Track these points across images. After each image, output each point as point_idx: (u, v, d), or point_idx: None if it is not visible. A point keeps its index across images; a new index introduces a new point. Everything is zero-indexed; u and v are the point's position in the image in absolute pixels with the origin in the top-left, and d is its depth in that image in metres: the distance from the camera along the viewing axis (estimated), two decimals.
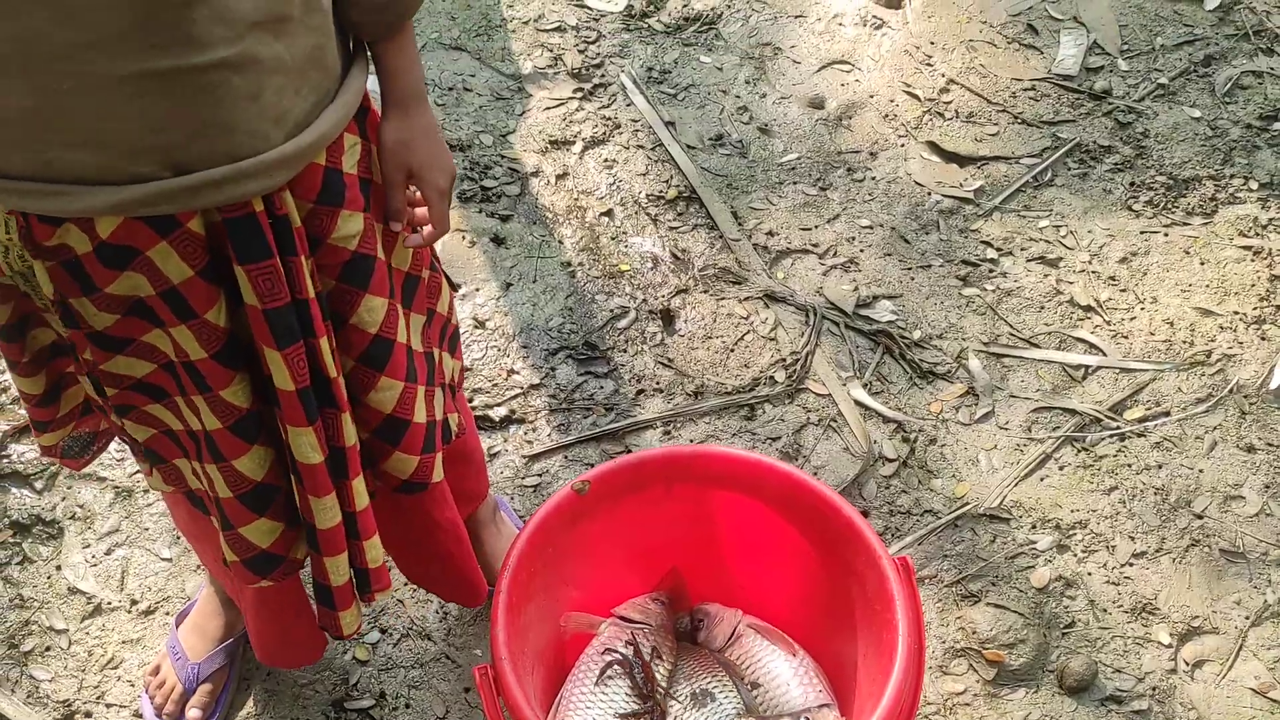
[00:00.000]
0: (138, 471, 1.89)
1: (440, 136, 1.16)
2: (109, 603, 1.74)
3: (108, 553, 1.80)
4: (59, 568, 1.78)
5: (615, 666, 1.41)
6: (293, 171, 1.01)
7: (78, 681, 1.66)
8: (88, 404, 1.27)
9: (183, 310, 1.05)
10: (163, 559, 1.79)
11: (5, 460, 1.89)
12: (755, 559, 1.50)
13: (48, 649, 1.70)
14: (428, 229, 1.18)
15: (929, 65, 2.54)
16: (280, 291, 1.05)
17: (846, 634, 1.42)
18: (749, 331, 2.10)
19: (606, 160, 2.37)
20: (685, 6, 2.69)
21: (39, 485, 1.88)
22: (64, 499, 1.86)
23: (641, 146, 2.40)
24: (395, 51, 1.12)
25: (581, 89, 2.50)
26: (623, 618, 1.50)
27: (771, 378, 2.02)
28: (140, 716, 1.62)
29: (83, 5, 0.86)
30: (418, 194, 1.18)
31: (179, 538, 1.81)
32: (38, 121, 0.92)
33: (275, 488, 1.20)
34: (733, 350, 2.07)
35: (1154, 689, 1.64)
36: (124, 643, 1.70)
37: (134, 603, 1.74)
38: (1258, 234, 2.20)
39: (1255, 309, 2.09)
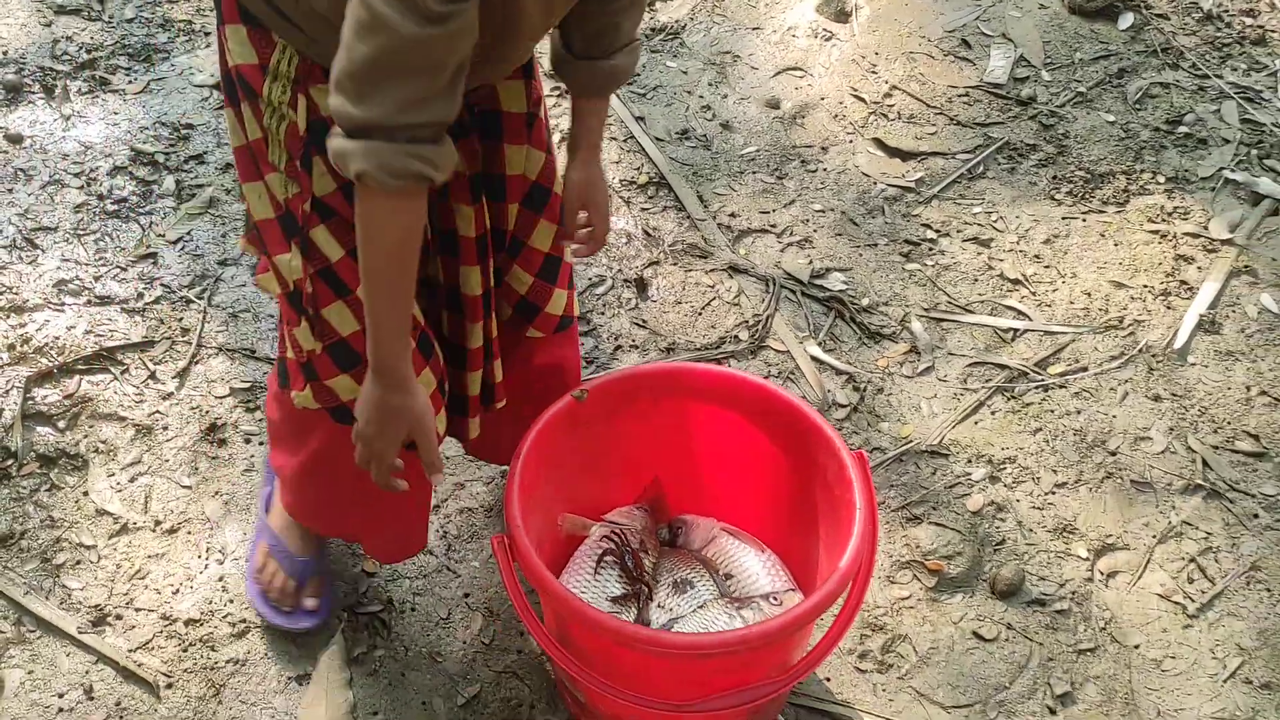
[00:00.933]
0: (155, 412, 2.05)
1: (605, 176, 1.51)
2: (134, 523, 1.90)
3: (131, 480, 1.95)
4: (86, 494, 1.93)
5: (609, 556, 1.60)
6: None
7: (108, 590, 1.81)
8: None
9: None
10: (183, 486, 1.95)
11: (30, 402, 2.04)
12: (730, 468, 1.70)
13: (78, 563, 1.84)
14: (592, 243, 1.54)
15: (874, 73, 2.81)
16: (475, 163, 1.34)
17: (810, 532, 1.63)
18: (715, 298, 2.32)
19: None
20: (652, 18, 2.94)
21: (62, 425, 2.03)
22: (86, 436, 2.01)
23: (615, 138, 2.63)
24: (597, 109, 1.47)
25: (560, 87, 2.72)
26: (612, 521, 1.70)
27: (736, 336, 2.24)
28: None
29: None
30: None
31: (197, 468, 1.97)
32: None
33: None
34: (701, 313, 2.29)
35: (1073, 594, 1.87)
36: (150, 557, 1.86)
37: (158, 523, 1.90)
38: (1164, 220, 2.48)
39: (1161, 283, 2.36)
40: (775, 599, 1.58)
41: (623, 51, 1.43)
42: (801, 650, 1.53)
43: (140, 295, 2.23)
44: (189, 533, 1.89)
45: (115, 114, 2.59)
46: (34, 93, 2.62)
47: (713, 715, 1.53)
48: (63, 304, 2.20)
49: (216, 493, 1.94)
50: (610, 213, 1.55)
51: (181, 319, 2.20)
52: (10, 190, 2.40)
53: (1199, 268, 2.38)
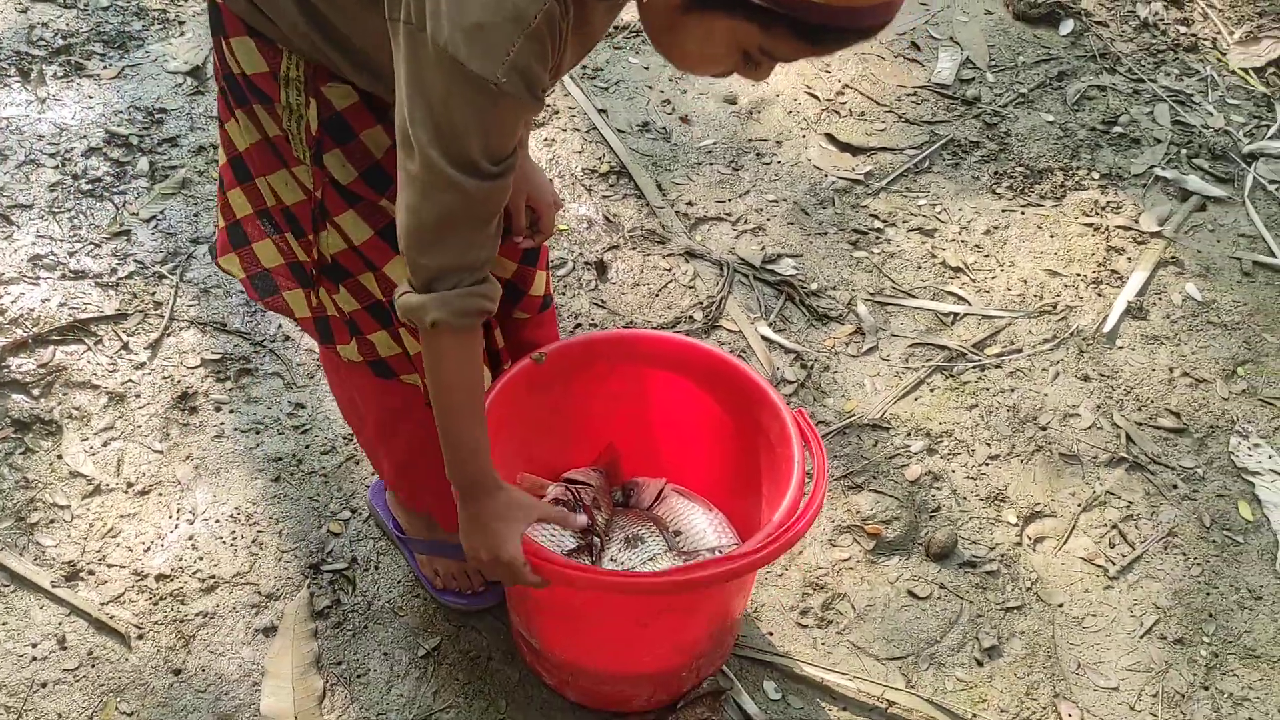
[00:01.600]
0: (128, 380, 2.12)
1: (539, 167, 1.58)
2: (107, 484, 1.96)
3: (104, 445, 2.02)
4: (60, 457, 2.00)
5: (561, 506, 1.69)
6: None
7: (80, 547, 1.88)
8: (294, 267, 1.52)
9: None
10: (155, 451, 2.02)
11: (5, 370, 2.10)
12: (682, 432, 1.80)
13: (52, 521, 1.91)
14: (539, 235, 1.59)
15: (828, 72, 2.93)
16: None
17: (754, 491, 1.73)
18: (672, 281, 2.42)
19: (547, 139, 2.69)
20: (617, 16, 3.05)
21: (36, 392, 2.09)
22: (60, 403, 2.08)
23: (578, 129, 2.73)
24: None
25: None
26: (568, 480, 1.79)
27: (691, 317, 2.35)
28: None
29: None
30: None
31: (169, 434, 2.04)
32: None
33: None
34: (658, 295, 2.39)
35: (1003, 556, 1.98)
36: (122, 517, 1.93)
37: (130, 485, 1.97)
38: (1098, 214, 2.62)
39: (1094, 272, 2.49)
40: (720, 552, 1.68)
41: None
42: (743, 597, 1.62)
43: (114, 270, 2.30)
44: (160, 494, 1.96)
45: (90, 98, 2.66)
46: (10, 76, 2.68)
47: (658, 658, 1.63)
48: (38, 278, 2.26)
49: (188, 457, 2.02)
50: (556, 200, 1.63)
51: (154, 293, 2.27)
52: None
53: (1129, 258, 2.51)
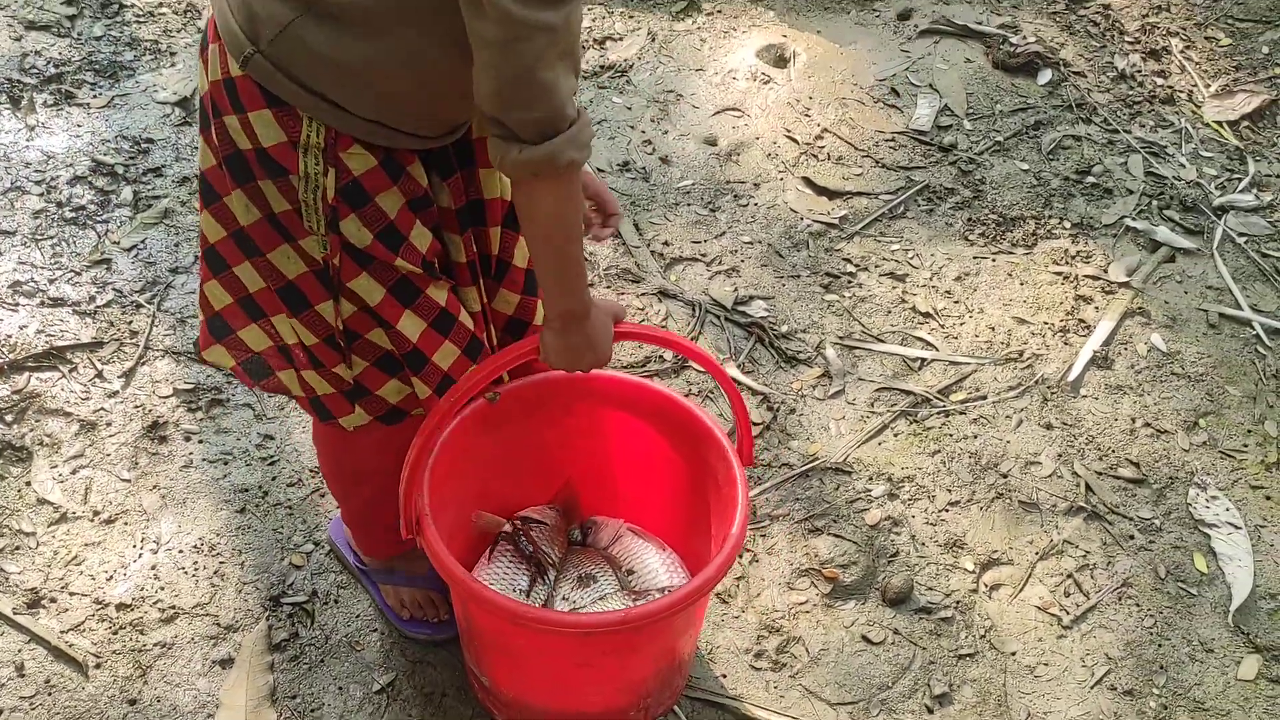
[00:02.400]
0: (100, 409, 2.15)
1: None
2: (74, 512, 1.99)
3: (73, 472, 2.05)
4: (28, 483, 2.02)
5: (505, 543, 1.72)
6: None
7: (44, 574, 1.90)
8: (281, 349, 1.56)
9: (421, 203, 1.43)
10: (123, 479, 2.05)
11: None
12: (637, 471, 1.83)
13: (17, 548, 1.93)
14: (610, 226, 1.66)
15: (807, 116, 2.97)
16: (461, 197, 1.51)
17: (704, 531, 1.75)
18: (644, 319, 2.45)
19: None
20: (602, 56, 3.10)
21: (9, 419, 2.12)
22: (32, 429, 2.11)
23: None
24: None
25: None
26: (523, 519, 1.82)
27: (661, 356, 2.37)
28: None
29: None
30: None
31: (137, 462, 2.07)
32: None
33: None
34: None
35: (958, 603, 2.00)
36: (86, 545, 1.95)
37: (96, 513, 1.99)
38: (1068, 263, 2.65)
39: (1061, 321, 2.52)
40: (670, 592, 1.70)
41: None
42: (690, 638, 1.64)
43: (92, 299, 2.33)
44: (125, 523, 1.99)
45: (79, 126, 2.70)
46: (0, 104, 2.72)
47: (605, 696, 1.65)
48: (16, 304, 2.30)
49: (155, 486, 2.04)
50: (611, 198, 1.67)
51: (131, 322, 2.30)
52: None
53: (1097, 308, 2.54)
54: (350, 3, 1.26)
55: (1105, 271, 2.62)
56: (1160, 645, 1.96)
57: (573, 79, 1.23)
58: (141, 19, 3.04)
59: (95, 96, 2.79)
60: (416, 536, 1.52)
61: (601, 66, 3.07)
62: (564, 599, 1.73)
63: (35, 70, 2.82)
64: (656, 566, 1.77)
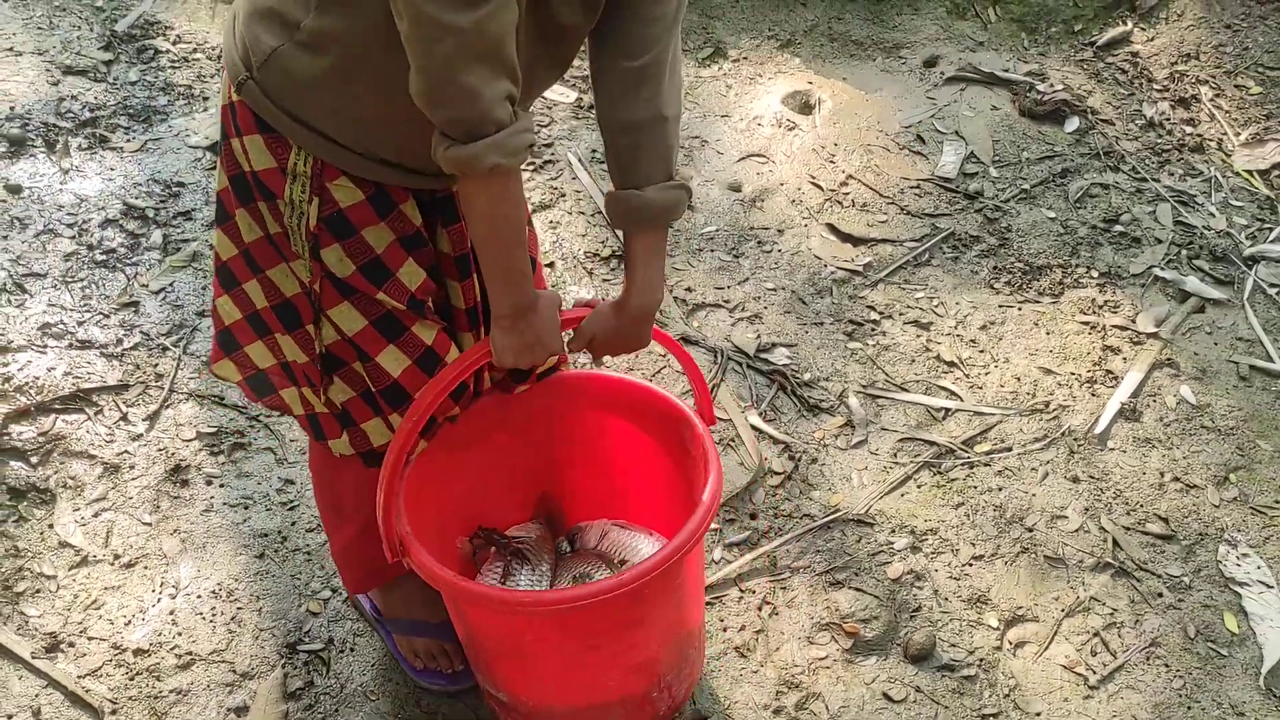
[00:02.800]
0: (124, 451, 2.16)
1: (641, 329, 1.61)
2: (94, 556, 2.00)
3: (95, 515, 2.06)
4: (51, 526, 2.04)
5: (494, 562, 1.72)
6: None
7: (63, 618, 1.91)
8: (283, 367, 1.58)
9: (414, 242, 1.44)
10: (144, 523, 2.06)
11: (5, 437, 2.15)
12: (610, 466, 1.82)
13: (38, 591, 1.94)
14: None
15: (832, 162, 2.97)
16: (464, 244, 1.51)
17: (690, 509, 1.70)
18: (666, 365, 2.45)
19: (552, 222, 2.74)
20: None
21: (34, 460, 2.14)
22: (56, 471, 2.12)
23: (583, 213, 2.78)
24: (636, 245, 1.53)
25: (534, 163, 2.89)
26: (513, 538, 1.82)
27: None
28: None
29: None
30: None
31: (159, 506, 2.08)
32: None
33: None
34: (651, 380, 2.41)
35: (981, 660, 1.97)
36: (106, 589, 1.96)
37: (116, 557, 2.00)
38: (1095, 313, 2.62)
39: (1089, 371, 2.49)
40: None
41: (655, 187, 1.49)
42: (695, 606, 1.64)
43: (120, 341, 2.36)
44: (145, 567, 1.99)
45: (112, 170, 2.75)
46: (36, 147, 2.77)
47: (621, 683, 1.62)
48: (45, 346, 2.33)
49: (175, 530, 2.05)
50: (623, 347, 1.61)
51: (157, 365, 2.32)
52: (5, 237, 2.55)
53: (1124, 359, 2.51)
54: (323, 29, 1.30)
55: (1133, 322, 2.59)
56: (1190, 708, 1.92)
57: (504, 84, 1.24)
58: (176, 64, 3.09)
59: (129, 140, 2.84)
60: (403, 558, 1.52)
61: None
62: None
63: (71, 114, 2.87)
64: (647, 551, 1.77)
